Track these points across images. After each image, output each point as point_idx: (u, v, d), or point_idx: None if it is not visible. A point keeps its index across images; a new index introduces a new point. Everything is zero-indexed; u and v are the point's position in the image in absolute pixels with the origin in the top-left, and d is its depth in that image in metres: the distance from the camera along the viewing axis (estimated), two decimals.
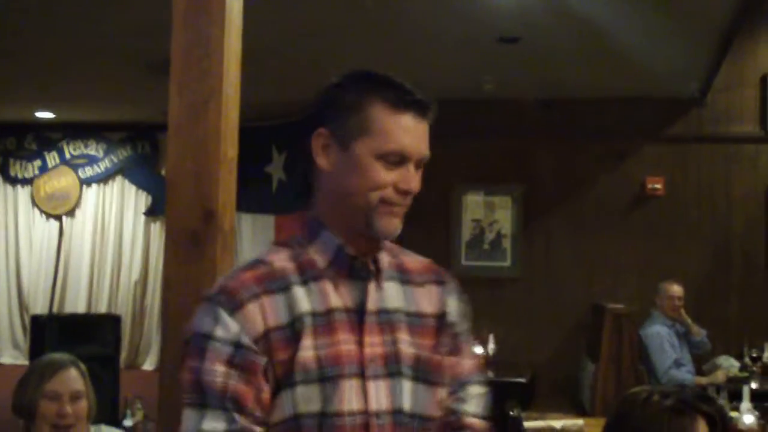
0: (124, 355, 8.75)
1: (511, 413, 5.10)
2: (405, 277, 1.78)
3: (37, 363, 3.08)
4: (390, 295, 1.73)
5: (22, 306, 9.92)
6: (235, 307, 1.59)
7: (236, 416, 1.55)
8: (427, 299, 1.79)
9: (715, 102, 7.73)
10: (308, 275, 1.67)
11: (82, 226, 9.89)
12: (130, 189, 9.88)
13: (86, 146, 9.86)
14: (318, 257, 1.69)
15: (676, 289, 6.71)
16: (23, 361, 9.17)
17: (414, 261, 1.83)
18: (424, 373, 1.71)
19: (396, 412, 1.65)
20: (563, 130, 7.95)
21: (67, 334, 6.75)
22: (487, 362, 7.47)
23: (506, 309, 7.93)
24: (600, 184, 7.93)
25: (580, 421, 5.00)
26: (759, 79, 7.69)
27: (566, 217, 7.94)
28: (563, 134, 7.95)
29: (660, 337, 6.52)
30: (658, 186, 7.78)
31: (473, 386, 1.83)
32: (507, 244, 8.05)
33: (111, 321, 7.51)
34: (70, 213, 9.90)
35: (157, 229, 9.71)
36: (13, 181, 10.02)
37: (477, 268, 8.03)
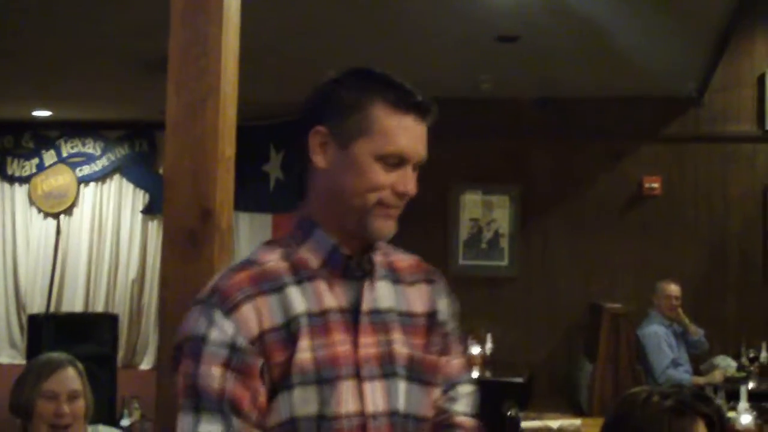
0: (121, 354, 8.76)
1: (509, 413, 5.10)
2: (396, 276, 1.77)
3: (34, 362, 3.07)
4: (382, 294, 1.71)
5: (19, 305, 9.91)
6: (229, 309, 1.56)
7: (233, 420, 1.53)
8: (417, 298, 1.78)
9: (712, 102, 7.73)
10: (302, 275, 1.64)
11: (80, 224, 9.88)
12: (128, 187, 9.88)
13: (84, 144, 9.86)
14: (311, 257, 1.66)
15: (674, 289, 6.71)
16: (20, 360, 9.17)
17: (403, 259, 1.82)
18: (419, 374, 1.70)
19: (392, 414, 1.65)
20: (561, 130, 7.95)
21: (64, 334, 6.74)
22: (485, 362, 7.48)
23: (504, 308, 7.93)
24: (597, 183, 7.93)
25: (577, 421, 5.00)
26: (756, 79, 7.69)
27: (564, 217, 7.95)
28: (561, 134, 7.95)
29: (657, 336, 6.52)
30: (655, 185, 7.78)
31: (463, 385, 1.84)
32: (504, 243, 8.05)
33: (108, 320, 7.51)
34: (68, 211, 9.89)
35: (154, 227, 9.71)
36: (11, 180, 10.02)
37: (474, 268, 8.03)
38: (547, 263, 7.95)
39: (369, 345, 1.65)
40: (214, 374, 1.53)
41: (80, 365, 3.04)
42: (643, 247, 7.78)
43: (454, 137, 7.66)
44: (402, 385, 1.67)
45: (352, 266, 1.68)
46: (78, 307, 9.67)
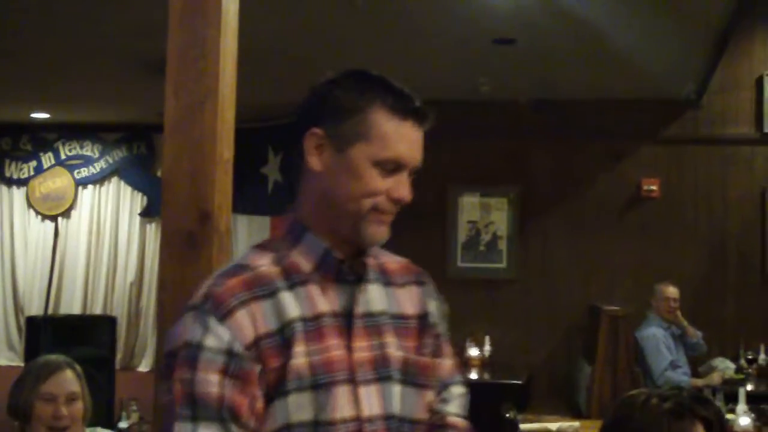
0: (119, 356, 8.75)
1: (507, 415, 5.10)
2: (387, 279, 1.75)
3: (32, 364, 3.07)
4: (374, 297, 1.70)
5: (18, 307, 9.91)
6: (224, 315, 1.53)
7: (232, 427, 1.50)
8: (408, 300, 1.76)
9: (710, 104, 7.74)
10: (294, 280, 1.62)
11: (78, 227, 9.87)
12: (126, 190, 9.87)
13: (82, 147, 9.85)
14: (303, 261, 1.64)
15: (672, 291, 6.72)
16: (18, 362, 9.16)
17: (393, 261, 1.81)
18: (413, 376, 1.69)
19: (388, 417, 1.64)
20: (559, 132, 7.95)
21: (62, 336, 6.74)
22: (483, 364, 7.48)
23: (502, 311, 7.93)
24: (596, 185, 7.93)
25: (576, 423, 5.00)
26: (754, 81, 7.70)
27: (562, 219, 7.94)
28: (559, 135, 7.95)
29: (656, 338, 6.53)
30: (654, 187, 7.78)
31: (455, 386, 1.84)
32: (503, 245, 8.05)
33: (106, 322, 7.50)
34: (66, 214, 9.89)
35: (152, 230, 9.70)
36: (9, 182, 10.01)
37: (473, 270, 8.03)
38: (546, 265, 7.95)
39: (363, 349, 1.63)
40: (212, 381, 1.50)
41: (78, 367, 3.03)
42: (642, 249, 7.78)
43: (452, 139, 7.67)
44: (397, 389, 1.66)
45: (344, 270, 1.66)
46: (76, 309, 9.66)
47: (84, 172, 9.83)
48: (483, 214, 8.07)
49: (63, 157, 9.88)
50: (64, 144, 9.88)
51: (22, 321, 9.29)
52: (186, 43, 2.22)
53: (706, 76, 7.12)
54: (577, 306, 7.69)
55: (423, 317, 1.77)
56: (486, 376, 7.28)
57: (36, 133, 9.89)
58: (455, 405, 1.82)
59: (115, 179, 9.88)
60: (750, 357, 7.15)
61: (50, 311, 9.64)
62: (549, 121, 7.96)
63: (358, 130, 1.61)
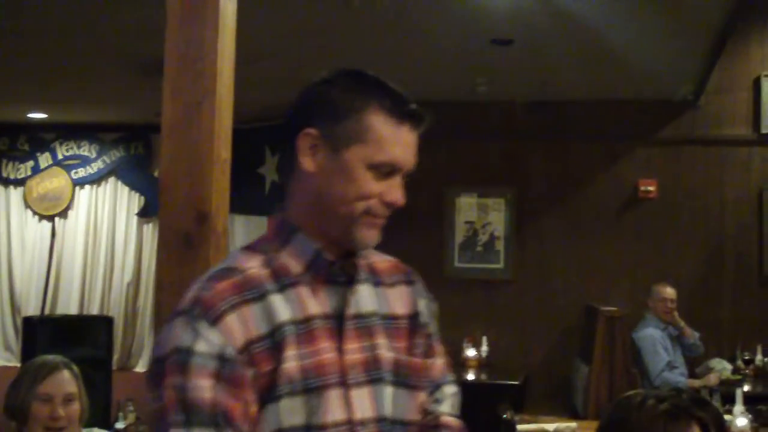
0: (116, 357, 8.74)
1: (504, 416, 5.11)
2: (376, 279, 1.74)
3: (29, 365, 3.07)
4: (364, 298, 1.68)
5: (14, 307, 9.88)
6: (214, 319, 1.51)
7: None
8: (398, 300, 1.75)
9: (707, 105, 7.74)
10: (284, 282, 1.60)
11: (75, 227, 9.85)
12: (123, 190, 9.85)
13: (79, 147, 9.83)
14: (293, 262, 1.62)
15: (669, 292, 6.73)
16: (15, 363, 9.14)
17: (382, 261, 1.79)
18: (404, 378, 1.68)
19: (380, 420, 1.62)
20: (556, 132, 7.95)
21: (59, 336, 6.73)
22: (480, 365, 7.49)
23: (499, 311, 7.94)
24: (593, 186, 7.93)
25: (573, 424, 5.01)
26: (751, 82, 7.70)
27: (559, 219, 7.95)
28: (556, 136, 7.96)
29: (653, 339, 6.54)
30: (651, 188, 7.78)
31: (447, 386, 1.83)
32: (500, 246, 8.05)
33: (103, 323, 7.50)
34: (63, 214, 9.86)
35: (150, 230, 9.68)
36: (6, 182, 9.99)
37: (470, 270, 8.03)
38: (543, 266, 7.95)
39: (354, 351, 1.62)
40: (204, 386, 1.47)
41: (75, 368, 3.04)
42: (639, 250, 7.78)
43: (449, 140, 7.68)
44: (388, 390, 1.65)
45: (335, 271, 1.65)
46: (73, 309, 9.64)
47: (81, 173, 9.81)
48: (480, 215, 8.07)
49: (60, 157, 9.86)
50: (61, 144, 9.86)
51: (19, 321, 9.26)
52: (184, 44, 2.22)
53: (703, 77, 7.12)
54: (574, 306, 7.69)
55: (413, 317, 1.76)
56: (483, 376, 7.29)
57: (33, 133, 9.87)
58: (448, 405, 1.81)
59: (112, 179, 9.86)
60: (747, 358, 7.16)
61: (47, 311, 9.61)
62: (546, 122, 7.96)
63: (353, 132, 1.60)
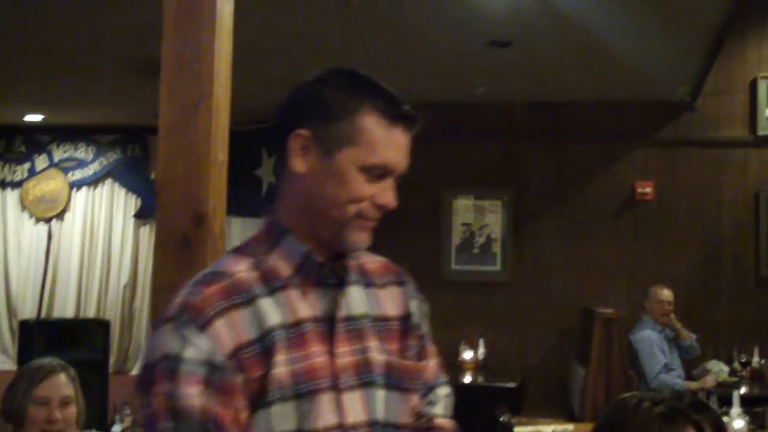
0: (112, 360, 8.72)
1: (501, 418, 5.11)
2: (367, 280, 1.72)
3: (26, 368, 3.07)
4: (355, 300, 1.67)
5: (10, 310, 9.86)
6: (202, 325, 1.49)
7: None
8: (390, 302, 1.73)
9: (704, 106, 7.75)
10: (273, 285, 1.58)
11: (71, 229, 9.84)
12: (120, 192, 9.84)
13: (76, 149, 9.82)
14: (282, 265, 1.60)
15: (666, 294, 6.73)
16: (11, 366, 9.12)
17: (373, 262, 1.77)
18: (397, 380, 1.66)
19: (371, 424, 1.61)
20: (553, 134, 7.96)
21: (55, 339, 6.72)
22: (477, 367, 7.49)
23: (496, 313, 7.93)
24: (590, 188, 7.94)
25: (570, 426, 5.01)
26: (748, 84, 7.71)
27: (556, 221, 7.95)
28: (553, 138, 7.96)
29: (650, 341, 6.53)
30: (647, 190, 7.79)
31: (440, 388, 1.81)
32: (497, 248, 8.04)
33: (100, 326, 7.48)
34: (59, 216, 9.85)
35: (146, 232, 9.67)
36: (2, 184, 9.97)
37: (467, 273, 8.02)
38: (540, 268, 7.95)
39: (345, 354, 1.60)
40: (193, 394, 1.45)
41: (72, 371, 3.03)
42: (636, 252, 7.79)
43: (446, 141, 7.68)
44: (380, 394, 1.63)
45: (325, 273, 1.63)
46: (69, 312, 9.62)
47: (78, 174, 9.80)
48: (477, 217, 8.07)
49: (57, 159, 9.85)
50: (58, 146, 9.85)
51: (15, 324, 9.24)
52: (181, 45, 2.22)
53: (700, 79, 7.13)
54: (571, 308, 7.69)
55: (405, 318, 1.74)
56: (480, 379, 7.28)
57: (30, 135, 9.86)
58: (441, 406, 1.79)
59: (109, 181, 9.85)
60: (744, 360, 7.16)
61: (43, 314, 9.60)
62: (544, 123, 7.96)
63: (346, 134, 1.58)
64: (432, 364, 1.80)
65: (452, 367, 7.22)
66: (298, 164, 1.60)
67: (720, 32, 5.80)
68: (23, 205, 9.91)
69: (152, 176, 9.33)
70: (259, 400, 1.51)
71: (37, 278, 9.80)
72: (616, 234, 7.85)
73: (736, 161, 7.76)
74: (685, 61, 6.48)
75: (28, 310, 9.69)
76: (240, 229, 9.00)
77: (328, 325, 1.60)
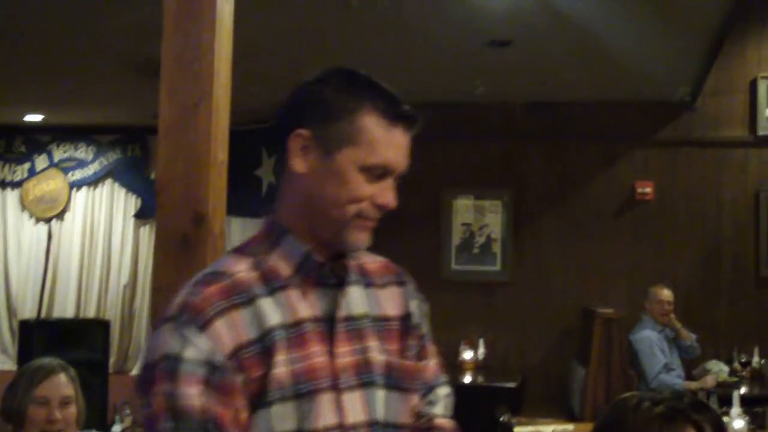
0: (112, 360, 8.73)
1: (502, 418, 5.11)
2: (367, 280, 1.72)
3: (26, 368, 3.07)
4: (355, 300, 1.66)
5: (10, 310, 9.87)
6: (202, 325, 1.49)
7: None
8: (390, 302, 1.73)
9: (704, 106, 7.75)
10: (273, 285, 1.58)
11: (71, 229, 9.84)
12: (120, 192, 9.84)
13: (76, 149, 9.83)
14: (282, 265, 1.60)
15: (666, 294, 6.73)
16: (11, 366, 9.12)
17: (373, 262, 1.77)
18: (397, 380, 1.66)
19: (371, 424, 1.61)
20: (553, 134, 7.96)
21: (55, 339, 6.71)
22: (477, 367, 7.49)
23: (496, 313, 7.93)
24: (590, 188, 7.94)
25: (570, 426, 5.01)
26: (748, 84, 7.71)
27: (556, 221, 7.95)
28: (553, 138, 7.96)
29: (650, 341, 6.53)
30: (647, 190, 7.79)
31: (440, 387, 1.81)
32: (497, 248, 8.04)
33: (100, 326, 7.48)
34: (59, 216, 9.85)
35: (146, 232, 9.67)
36: (2, 184, 9.97)
37: (467, 273, 8.02)
38: (540, 268, 7.95)
39: (345, 354, 1.60)
40: (194, 394, 1.45)
41: (72, 371, 3.03)
42: (636, 252, 7.79)
43: (446, 141, 7.68)
44: (380, 394, 1.63)
45: (325, 273, 1.63)
46: (69, 312, 9.62)
47: (78, 175, 9.80)
48: (477, 217, 8.07)
49: (57, 159, 9.85)
50: (57, 146, 9.85)
51: (15, 324, 9.25)
52: (181, 45, 2.22)
53: (700, 79, 7.13)
54: (571, 308, 7.69)
55: (405, 318, 1.74)
56: (480, 379, 7.28)
57: (30, 135, 9.86)
58: (441, 406, 1.79)
59: (109, 181, 9.85)
60: (744, 360, 7.16)
61: (43, 314, 9.60)
62: (543, 124, 7.96)
63: (346, 134, 1.57)
64: (432, 364, 1.80)
65: (452, 367, 7.22)
66: (298, 164, 1.60)
67: (720, 32, 5.81)
68: (23, 205, 9.91)
69: (152, 176, 9.33)
70: (259, 400, 1.50)
71: (37, 278, 9.80)
72: (616, 234, 7.85)
73: (736, 161, 7.76)
74: (685, 61, 6.48)
75: (28, 310, 9.69)
76: (240, 229, 9.00)
77: (328, 325, 1.60)
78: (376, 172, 1.59)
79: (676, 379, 6.45)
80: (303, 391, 1.53)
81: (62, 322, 8.01)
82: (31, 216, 9.91)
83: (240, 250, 1.65)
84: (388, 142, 1.59)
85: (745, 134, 7.73)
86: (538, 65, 6.61)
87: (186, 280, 1.61)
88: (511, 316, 7.90)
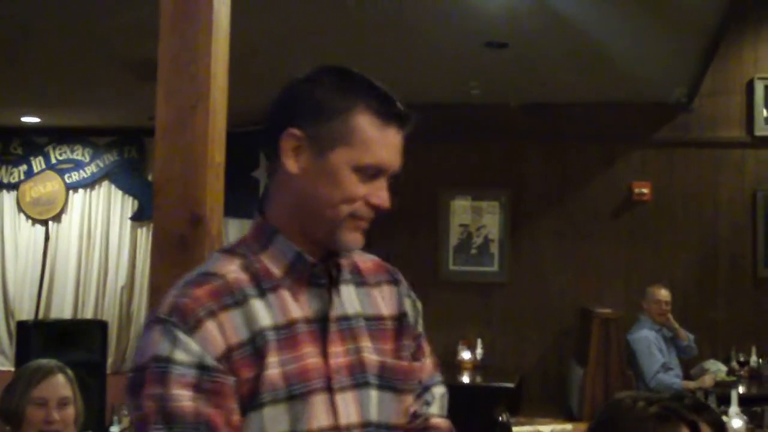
0: (110, 361, 8.72)
1: (500, 418, 5.11)
2: (360, 279, 1.70)
3: (24, 369, 3.07)
4: (348, 299, 1.65)
5: (8, 312, 9.86)
6: (192, 327, 1.47)
7: None
8: (383, 301, 1.71)
9: (701, 107, 7.75)
10: (265, 286, 1.56)
11: (68, 231, 9.84)
12: (117, 194, 9.84)
13: (72, 151, 9.82)
14: (273, 265, 1.59)
15: (664, 294, 6.73)
16: (9, 367, 9.11)
17: (365, 261, 1.75)
18: (390, 381, 1.64)
19: (365, 425, 1.59)
20: (551, 135, 7.96)
21: (53, 340, 6.70)
22: (475, 367, 7.49)
23: (494, 314, 7.94)
24: (587, 188, 7.94)
25: (568, 426, 5.01)
26: (745, 85, 7.72)
27: (554, 222, 7.95)
28: (551, 139, 7.97)
29: (647, 341, 6.54)
30: (645, 191, 7.79)
31: (436, 387, 1.80)
32: (494, 248, 8.05)
33: (97, 327, 7.46)
34: (56, 218, 9.85)
35: (143, 234, 9.68)
36: None
37: (464, 273, 8.03)
38: (537, 268, 7.95)
39: (339, 354, 1.58)
40: (184, 396, 1.44)
41: (70, 372, 3.03)
42: (634, 252, 7.79)
43: (443, 142, 7.68)
44: (374, 394, 1.62)
45: (317, 273, 1.61)
46: (67, 313, 9.62)
47: (75, 176, 9.80)
48: (474, 218, 8.08)
49: (54, 161, 9.85)
50: (54, 148, 9.84)
51: (13, 326, 9.25)
52: (177, 47, 2.22)
53: (697, 80, 7.13)
54: (569, 309, 7.70)
55: (399, 318, 1.72)
56: (478, 379, 7.29)
57: (27, 137, 9.86)
58: (437, 406, 1.78)
59: (105, 183, 9.85)
60: (741, 359, 7.17)
61: (41, 316, 9.60)
62: (541, 125, 7.97)
63: (339, 134, 1.56)
64: (427, 364, 1.78)
65: (450, 367, 7.23)
66: (290, 164, 1.58)
67: (716, 33, 5.81)
68: (20, 207, 9.90)
69: (149, 178, 9.33)
70: (251, 402, 1.49)
71: (34, 280, 9.80)
72: (614, 234, 7.85)
73: (733, 162, 7.77)
74: (681, 62, 6.49)
75: (25, 312, 9.69)
76: (237, 231, 9.00)
77: (321, 325, 1.59)
78: (369, 172, 1.57)
79: (674, 378, 6.45)
80: (296, 393, 1.51)
81: (60, 323, 7.99)
82: (28, 218, 9.91)
83: (230, 251, 1.64)
84: (382, 142, 1.57)
85: (741, 135, 7.74)
86: (535, 66, 6.62)
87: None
88: (509, 317, 7.91)
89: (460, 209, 8.09)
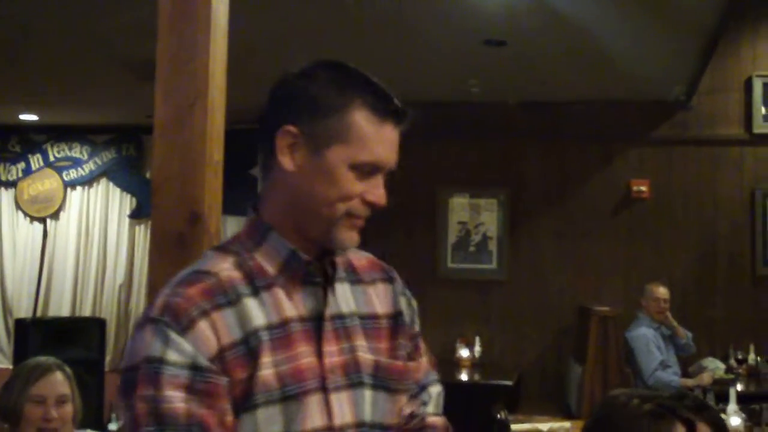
0: (108, 358, 8.72)
1: (498, 416, 5.11)
2: (354, 277, 1.68)
3: (22, 366, 3.07)
4: (343, 298, 1.63)
5: (6, 310, 9.86)
6: (184, 327, 1.44)
7: None
8: (378, 299, 1.69)
9: (700, 105, 7.76)
10: (258, 284, 1.54)
11: (66, 228, 9.83)
12: (115, 191, 9.83)
13: (70, 149, 9.82)
14: (267, 263, 1.56)
15: (662, 292, 6.74)
16: (7, 365, 9.12)
17: (360, 258, 1.73)
18: (384, 381, 1.63)
19: (360, 425, 1.58)
20: (549, 133, 7.96)
21: (51, 338, 6.70)
22: (474, 365, 7.50)
23: (492, 311, 7.94)
24: (586, 186, 7.94)
25: (567, 424, 5.01)
26: (743, 82, 7.72)
27: (552, 220, 7.95)
28: (549, 137, 7.97)
29: (646, 338, 6.54)
30: (643, 188, 7.79)
31: (432, 386, 1.78)
32: (493, 246, 8.05)
33: (96, 324, 7.47)
34: (54, 216, 9.84)
35: (142, 231, 9.67)
36: None
37: (463, 271, 8.03)
38: (536, 266, 7.95)
39: (333, 353, 1.56)
40: (177, 397, 1.41)
41: (68, 369, 3.03)
42: (632, 250, 7.80)
43: (442, 140, 7.69)
44: (368, 394, 1.60)
45: (312, 272, 1.59)
46: (65, 311, 9.62)
47: (73, 174, 9.79)
48: (473, 215, 8.08)
49: (51, 158, 9.85)
50: (52, 146, 9.84)
51: (11, 323, 9.24)
52: (175, 45, 2.21)
53: (695, 78, 7.13)
54: (567, 306, 7.70)
55: (395, 316, 1.70)
56: (476, 377, 7.29)
57: (25, 135, 9.85)
58: (433, 405, 1.76)
59: (104, 181, 9.84)
60: (740, 357, 7.18)
61: (39, 313, 9.59)
62: (539, 123, 7.97)
63: (335, 131, 1.54)
64: (423, 362, 1.77)
65: (449, 364, 7.23)
66: (286, 162, 1.56)
67: (715, 31, 5.81)
68: (18, 205, 9.90)
69: (147, 175, 9.33)
70: (244, 402, 1.47)
71: (32, 277, 9.80)
72: (612, 232, 7.86)
73: (732, 159, 7.77)
74: (680, 60, 6.49)
75: (23, 309, 9.68)
76: (235, 228, 8.95)
77: (316, 324, 1.56)
78: (366, 170, 1.55)
79: (672, 376, 6.46)
80: (290, 394, 1.49)
81: (58, 321, 8.00)
82: (26, 215, 9.90)
83: (223, 248, 1.62)
84: (379, 139, 1.55)
85: (740, 132, 7.74)
86: (534, 65, 6.62)
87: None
88: (507, 314, 7.91)
89: (459, 207, 8.09)
